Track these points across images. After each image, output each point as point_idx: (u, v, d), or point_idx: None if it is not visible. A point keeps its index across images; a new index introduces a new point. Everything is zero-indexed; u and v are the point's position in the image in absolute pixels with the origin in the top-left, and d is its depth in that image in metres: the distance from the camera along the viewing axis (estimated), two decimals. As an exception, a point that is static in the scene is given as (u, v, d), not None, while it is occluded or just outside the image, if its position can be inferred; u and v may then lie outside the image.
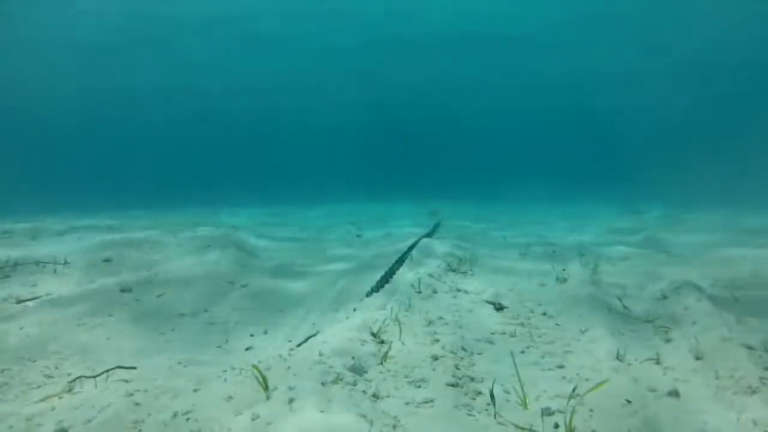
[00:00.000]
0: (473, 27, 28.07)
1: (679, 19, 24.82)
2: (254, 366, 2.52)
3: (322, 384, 2.42)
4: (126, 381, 2.66)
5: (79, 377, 2.68)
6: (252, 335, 3.65)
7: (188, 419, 2.20)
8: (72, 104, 39.45)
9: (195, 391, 2.51)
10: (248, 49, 30.33)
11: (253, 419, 2.11)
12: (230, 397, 2.37)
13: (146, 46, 28.70)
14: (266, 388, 2.36)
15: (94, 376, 2.69)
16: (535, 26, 27.59)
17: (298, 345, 3.09)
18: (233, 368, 2.79)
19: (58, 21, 24.83)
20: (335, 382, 2.46)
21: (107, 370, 2.76)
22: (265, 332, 3.71)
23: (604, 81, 34.48)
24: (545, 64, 31.97)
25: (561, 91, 37.95)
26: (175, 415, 2.24)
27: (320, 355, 2.76)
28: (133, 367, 2.88)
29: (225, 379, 2.61)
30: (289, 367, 2.58)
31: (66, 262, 5.44)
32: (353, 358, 2.77)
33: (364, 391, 2.44)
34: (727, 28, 24.64)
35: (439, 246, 6.85)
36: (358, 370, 2.64)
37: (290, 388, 2.33)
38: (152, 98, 38.45)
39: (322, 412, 2.12)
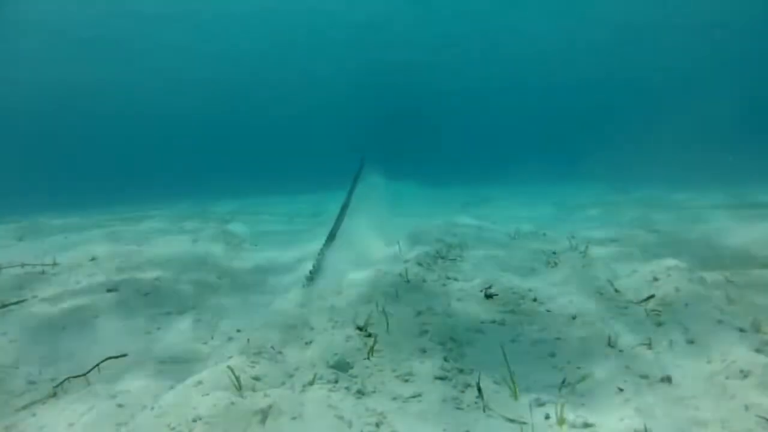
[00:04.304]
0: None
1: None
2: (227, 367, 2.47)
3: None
4: (110, 383, 2.62)
5: (68, 378, 2.64)
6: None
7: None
8: (56, 100, 38.69)
9: (171, 388, 2.47)
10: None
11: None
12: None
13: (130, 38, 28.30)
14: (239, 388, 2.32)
15: (84, 374, 2.66)
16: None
17: None
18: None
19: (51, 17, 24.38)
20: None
21: (97, 364, 2.74)
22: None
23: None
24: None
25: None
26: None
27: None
28: (124, 355, 2.86)
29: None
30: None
31: (55, 263, 5.35)
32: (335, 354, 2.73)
33: (347, 388, 2.40)
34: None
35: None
36: (342, 366, 2.60)
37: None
38: (142, 93, 37.93)
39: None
